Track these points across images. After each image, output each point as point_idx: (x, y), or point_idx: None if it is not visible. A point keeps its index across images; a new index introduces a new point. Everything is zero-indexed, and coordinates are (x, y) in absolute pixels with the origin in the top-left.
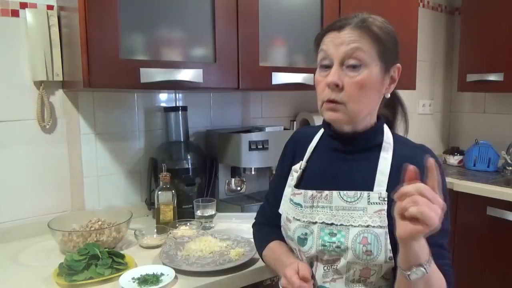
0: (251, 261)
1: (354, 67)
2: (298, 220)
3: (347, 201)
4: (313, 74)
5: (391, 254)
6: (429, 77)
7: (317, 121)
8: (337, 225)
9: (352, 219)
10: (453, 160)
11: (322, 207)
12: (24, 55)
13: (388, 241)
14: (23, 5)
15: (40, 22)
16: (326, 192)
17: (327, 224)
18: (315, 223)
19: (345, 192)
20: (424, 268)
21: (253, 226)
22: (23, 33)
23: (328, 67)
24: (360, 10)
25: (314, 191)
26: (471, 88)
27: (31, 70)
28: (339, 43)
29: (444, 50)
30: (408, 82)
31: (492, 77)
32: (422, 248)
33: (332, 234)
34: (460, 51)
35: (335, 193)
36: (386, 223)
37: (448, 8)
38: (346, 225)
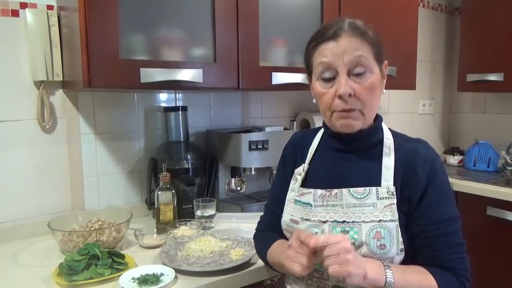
0: (251, 261)
1: (361, 74)
2: (308, 220)
3: (357, 198)
4: None
5: (403, 246)
6: (429, 77)
7: (317, 121)
8: (349, 222)
9: (364, 215)
10: (453, 160)
11: (333, 206)
12: (24, 55)
13: (400, 233)
14: (23, 5)
15: (40, 22)
16: (336, 190)
17: (339, 222)
18: (326, 222)
19: (354, 189)
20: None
21: (253, 236)
22: (23, 33)
23: (331, 79)
24: (360, 10)
25: (324, 190)
26: (471, 88)
27: (31, 70)
28: (341, 52)
29: (444, 50)
30: (408, 82)
31: (492, 77)
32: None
33: (344, 232)
34: (460, 51)
35: (345, 190)
36: (397, 216)
37: (448, 8)
38: (358, 222)
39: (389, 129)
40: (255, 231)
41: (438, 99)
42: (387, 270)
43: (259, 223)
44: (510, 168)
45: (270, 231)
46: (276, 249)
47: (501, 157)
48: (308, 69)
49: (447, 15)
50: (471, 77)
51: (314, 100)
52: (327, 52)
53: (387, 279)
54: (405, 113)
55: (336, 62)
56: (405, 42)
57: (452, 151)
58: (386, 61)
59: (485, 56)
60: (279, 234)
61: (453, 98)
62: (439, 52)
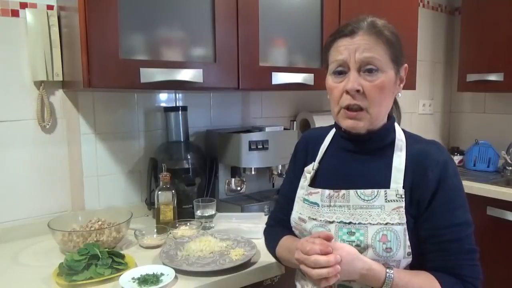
0: (251, 261)
1: (371, 72)
2: (314, 219)
3: (364, 200)
4: (313, 74)
5: (410, 250)
6: (429, 77)
7: (317, 121)
8: (355, 223)
9: (370, 217)
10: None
11: (340, 206)
12: (24, 55)
13: (407, 237)
14: (23, 5)
15: (40, 22)
16: (343, 191)
17: (345, 223)
18: (332, 222)
19: (362, 190)
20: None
21: (264, 231)
22: (23, 33)
23: (343, 73)
24: (360, 10)
25: (331, 191)
26: (471, 88)
27: (31, 70)
28: (354, 49)
29: (444, 50)
30: (408, 82)
31: (492, 77)
32: (367, 278)
33: (350, 233)
34: (460, 51)
35: (352, 192)
36: (404, 219)
37: (448, 8)
38: (364, 224)
39: (403, 129)
40: (265, 225)
41: (438, 99)
42: (387, 269)
43: (269, 218)
44: (510, 168)
45: (279, 226)
46: (286, 244)
47: (501, 157)
48: (324, 63)
49: (447, 15)
50: (471, 77)
51: (328, 95)
52: (342, 49)
53: (387, 275)
54: (405, 113)
55: (348, 58)
56: (405, 42)
57: (452, 151)
58: (406, 65)
59: (485, 56)
60: (288, 229)
61: (453, 98)
62: (439, 52)
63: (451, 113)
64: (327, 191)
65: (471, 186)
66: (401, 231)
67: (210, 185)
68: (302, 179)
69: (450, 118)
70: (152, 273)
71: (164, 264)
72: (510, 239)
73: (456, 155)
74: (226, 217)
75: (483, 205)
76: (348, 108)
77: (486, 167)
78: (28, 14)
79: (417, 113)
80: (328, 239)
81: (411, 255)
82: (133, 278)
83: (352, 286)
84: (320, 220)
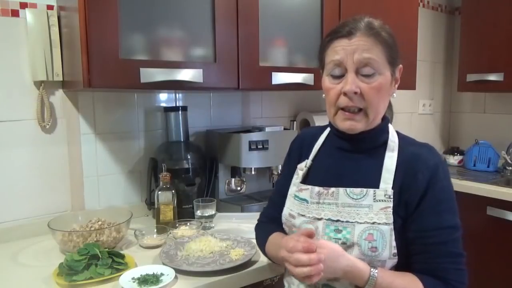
0: (251, 261)
1: (369, 75)
2: (303, 216)
3: (353, 198)
4: (313, 74)
5: (395, 251)
6: (429, 77)
7: (317, 121)
8: (342, 221)
9: (358, 216)
10: (453, 160)
11: (328, 204)
12: (24, 55)
13: (393, 237)
14: (23, 5)
15: (40, 22)
16: (333, 189)
17: (333, 220)
18: (320, 219)
19: (351, 189)
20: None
21: (255, 227)
22: (23, 33)
23: (340, 76)
24: (360, 10)
25: (321, 188)
26: (471, 88)
27: (31, 70)
28: (352, 51)
29: (444, 50)
30: (408, 82)
31: (492, 77)
32: (351, 276)
33: (337, 231)
34: (460, 51)
35: (341, 190)
36: (391, 220)
37: (448, 8)
38: (351, 222)
39: (396, 131)
40: (257, 221)
41: (438, 99)
42: (372, 268)
43: (261, 214)
44: (510, 168)
45: (271, 222)
46: (274, 240)
47: (501, 157)
48: (320, 64)
49: (447, 15)
50: (471, 77)
51: (324, 95)
52: (339, 49)
53: (371, 273)
54: (405, 113)
55: (346, 60)
56: (405, 42)
57: (452, 151)
58: (400, 66)
59: (485, 56)
60: (279, 226)
61: (453, 98)
62: (439, 52)
63: (451, 113)
64: (316, 188)
65: (471, 186)
66: (388, 231)
67: (210, 185)
68: (294, 176)
69: (450, 118)
70: (152, 273)
71: (164, 264)
72: (510, 239)
73: (456, 155)
74: (226, 217)
75: (483, 205)
76: (345, 109)
77: (486, 167)
78: (28, 14)
79: (417, 113)
80: (310, 236)
81: (396, 256)
82: (133, 278)
83: (335, 287)
84: (309, 217)
